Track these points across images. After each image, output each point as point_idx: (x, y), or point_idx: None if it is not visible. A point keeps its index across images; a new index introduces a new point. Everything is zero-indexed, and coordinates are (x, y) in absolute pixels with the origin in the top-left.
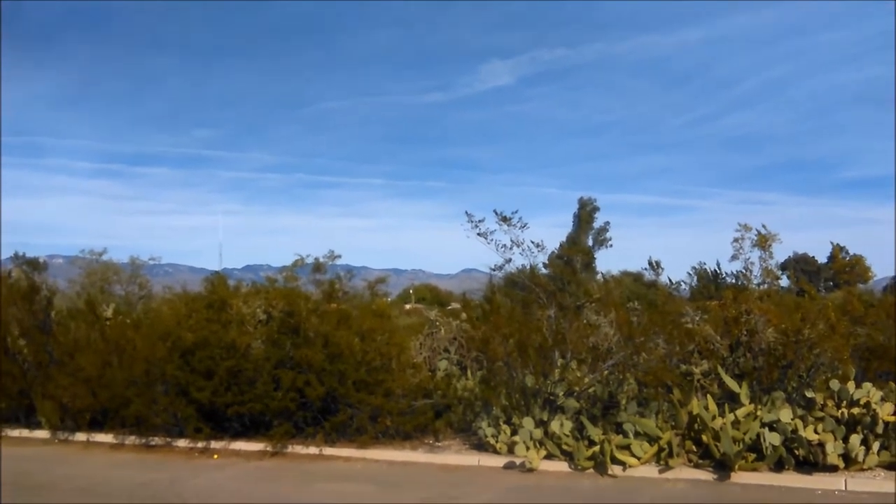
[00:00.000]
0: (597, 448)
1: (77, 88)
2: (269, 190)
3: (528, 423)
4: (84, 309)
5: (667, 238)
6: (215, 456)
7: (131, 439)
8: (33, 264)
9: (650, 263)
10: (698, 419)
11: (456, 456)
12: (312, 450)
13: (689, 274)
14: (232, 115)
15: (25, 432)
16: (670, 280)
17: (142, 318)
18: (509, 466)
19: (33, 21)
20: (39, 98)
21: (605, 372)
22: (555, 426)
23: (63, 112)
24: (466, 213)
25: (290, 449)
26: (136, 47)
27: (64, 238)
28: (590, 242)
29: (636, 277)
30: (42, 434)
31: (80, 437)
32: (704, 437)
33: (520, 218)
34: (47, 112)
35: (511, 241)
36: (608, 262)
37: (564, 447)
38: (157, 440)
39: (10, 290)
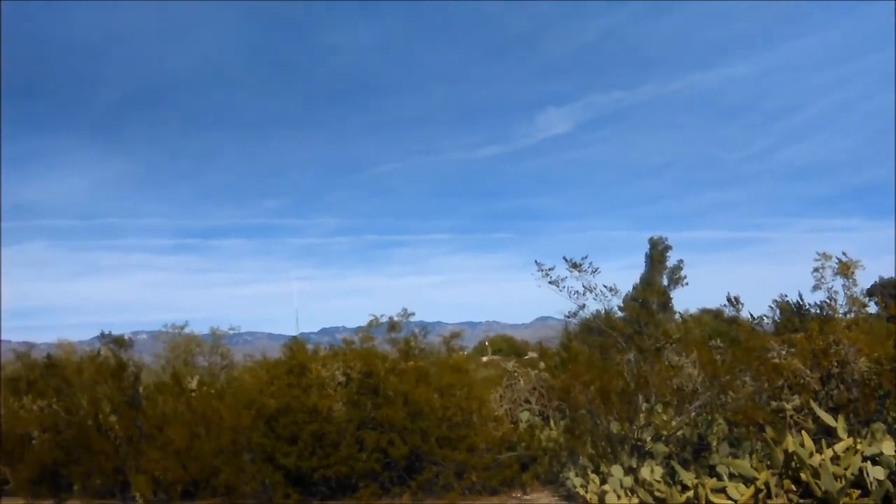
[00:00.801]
0: (690, 493)
1: (144, 169)
2: (340, 253)
3: (616, 470)
4: (170, 382)
5: (742, 272)
6: None
7: None
8: (119, 342)
9: (729, 299)
10: (795, 457)
11: None
12: None
13: (771, 307)
14: (293, 183)
15: None
16: (752, 315)
17: (225, 387)
18: None
19: (98, 109)
20: (109, 181)
21: (693, 414)
22: (645, 472)
23: (134, 193)
24: (536, 262)
25: None
26: (193, 125)
27: (146, 314)
28: (664, 282)
29: (716, 314)
30: None
31: None
32: (803, 476)
33: (590, 263)
34: (118, 194)
35: (583, 286)
36: (685, 300)
37: (657, 493)
38: None
39: (99, 368)
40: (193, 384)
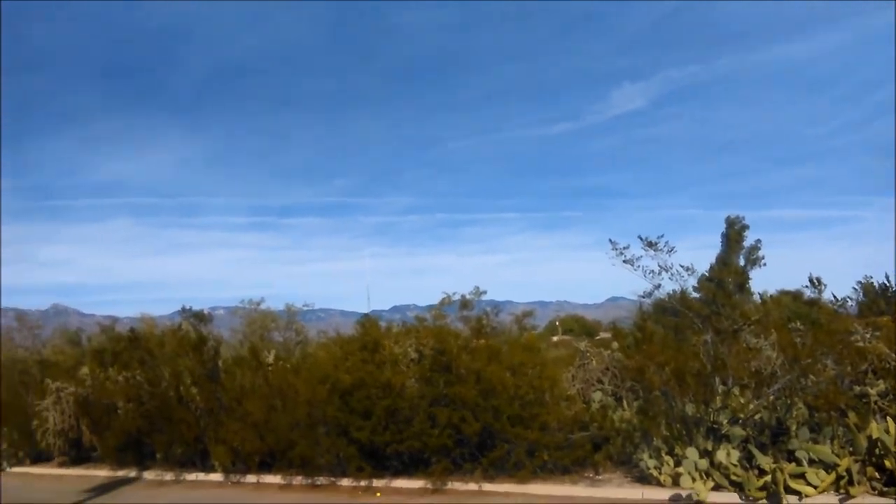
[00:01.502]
0: (768, 477)
1: (223, 148)
2: (411, 231)
3: (691, 453)
4: (248, 356)
5: (824, 252)
6: (378, 494)
7: (298, 479)
8: (200, 317)
9: (811, 280)
10: (879, 443)
11: (618, 489)
12: (472, 486)
13: (855, 289)
14: (366, 162)
15: (201, 475)
16: (835, 297)
17: (300, 362)
18: (675, 499)
19: (180, 90)
20: (190, 161)
21: (771, 397)
22: (721, 456)
23: (213, 172)
24: (610, 240)
25: (449, 485)
26: (270, 105)
27: (223, 291)
28: (741, 262)
29: (795, 296)
30: (216, 477)
31: (251, 478)
32: (888, 463)
33: (666, 242)
34: (198, 173)
35: (659, 266)
36: (762, 281)
37: (733, 477)
38: (322, 480)
39: (180, 342)
40: (270, 358)
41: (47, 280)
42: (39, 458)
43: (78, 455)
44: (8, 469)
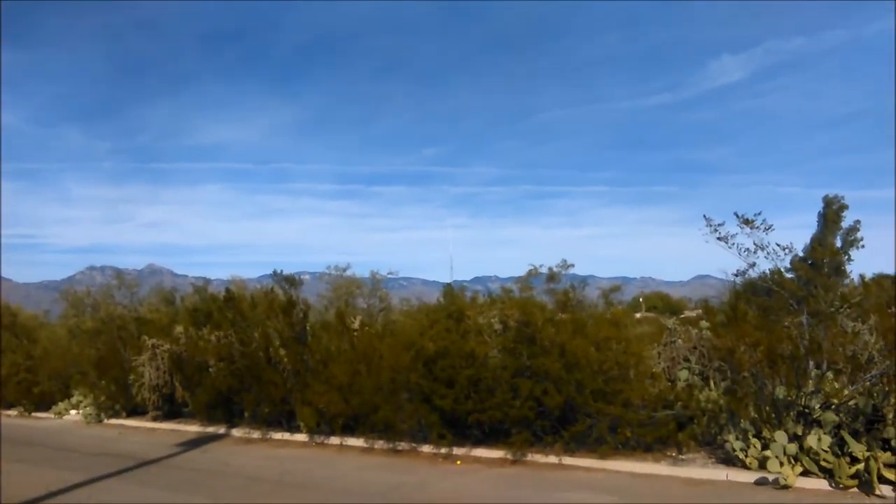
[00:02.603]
0: (861, 465)
1: (316, 116)
2: (495, 203)
3: (780, 436)
4: (335, 321)
5: None
6: (458, 462)
7: (380, 444)
8: (290, 281)
9: None
10: None
11: (701, 470)
12: (552, 459)
13: None
14: (457, 132)
15: (287, 435)
16: None
17: (385, 329)
18: (761, 483)
19: (277, 58)
20: (282, 128)
21: (867, 383)
22: (811, 441)
23: (304, 139)
24: (704, 216)
25: (529, 457)
26: (365, 73)
27: (310, 256)
28: (838, 244)
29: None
30: (301, 437)
31: (335, 440)
32: None
33: (763, 220)
34: (290, 140)
35: (754, 244)
36: (861, 264)
37: (823, 464)
38: (403, 445)
39: (271, 304)
40: (356, 324)
41: (144, 240)
42: (134, 411)
43: (170, 410)
44: (105, 420)
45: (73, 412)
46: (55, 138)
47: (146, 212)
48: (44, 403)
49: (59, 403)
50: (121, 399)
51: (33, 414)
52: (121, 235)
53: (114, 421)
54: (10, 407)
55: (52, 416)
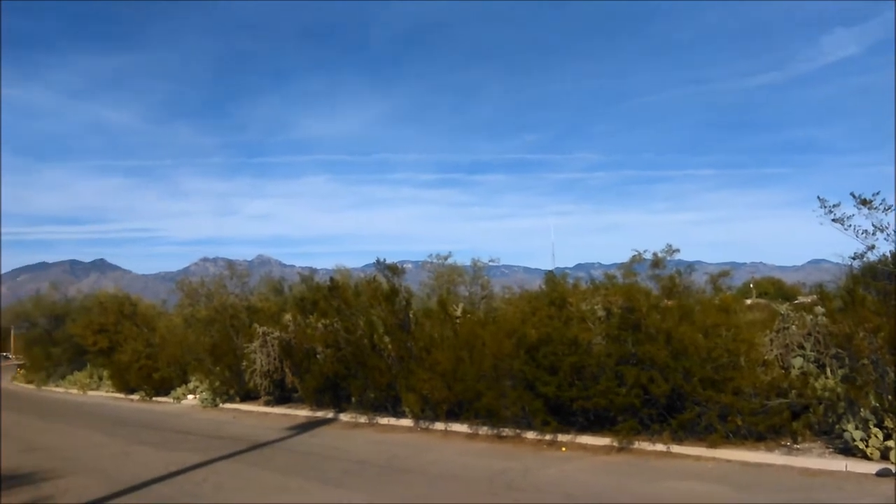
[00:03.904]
0: None
1: (413, 106)
2: (597, 188)
3: None
4: (437, 309)
5: None
6: (563, 449)
7: (484, 430)
8: (393, 269)
9: None
10: None
11: (818, 460)
12: (659, 447)
13: None
14: (555, 117)
15: (392, 420)
16: None
17: (487, 316)
18: (883, 474)
19: (373, 50)
20: (382, 119)
21: None
22: None
23: (403, 129)
24: (819, 198)
25: (635, 445)
26: (461, 60)
27: (412, 245)
28: None
29: None
30: (406, 422)
31: (439, 426)
32: None
33: (883, 200)
34: (390, 130)
35: (873, 225)
36: None
37: None
38: (507, 431)
39: (374, 292)
40: (458, 311)
41: (253, 232)
42: (247, 396)
43: (281, 395)
44: (221, 405)
45: (189, 397)
46: (167, 135)
47: (253, 204)
48: (163, 388)
49: (177, 388)
50: (234, 384)
51: (154, 398)
52: (230, 227)
53: (228, 405)
54: (132, 392)
55: (171, 400)
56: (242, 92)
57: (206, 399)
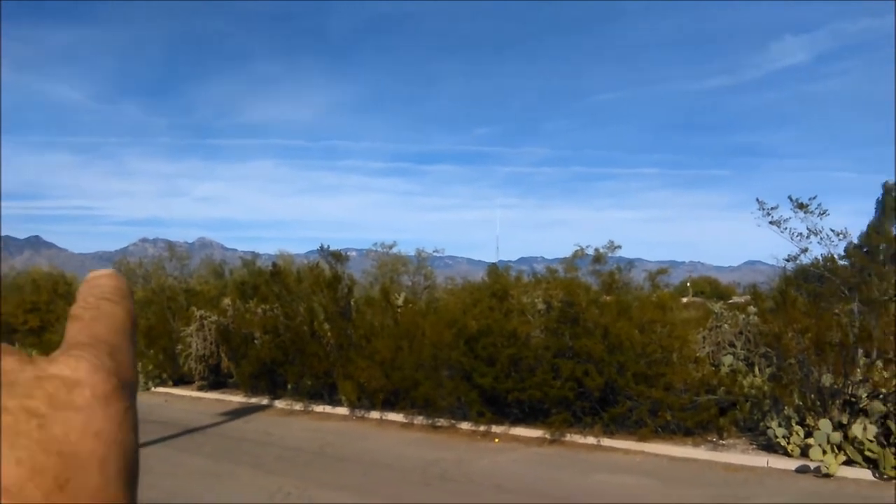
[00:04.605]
0: None
1: (369, 94)
2: (544, 183)
3: (824, 425)
4: (379, 297)
5: None
6: (496, 440)
7: (419, 419)
8: (336, 256)
9: None
10: None
11: (742, 455)
12: (590, 440)
13: None
14: (509, 112)
15: (328, 408)
16: None
17: (429, 306)
18: (802, 470)
19: (333, 37)
20: (336, 106)
21: None
22: (856, 430)
23: (356, 117)
24: (757, 200)
25: (567, 437)
26: (420, 52)
27: (358, 232)
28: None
29: None
30: (342, 410)
31: (375, 415)
32: None
33: (818, 204)
34: (343, 117)
35: (808, 229)
36: None
37: (867, 453)
38: (442, 421)
39: (316, 279)
40: (400, 300)
41: (198, 214)
42: (181, 380)
43: (216, 380)
44: (153, 388)
45: None
46: (116, 113)
47: (200, 186)
48: None
49: None
50: (168, 368)
51: None
52: (175, 209)
53: (160, 389)
54: None
55: None
56: (194, 72)
57: None
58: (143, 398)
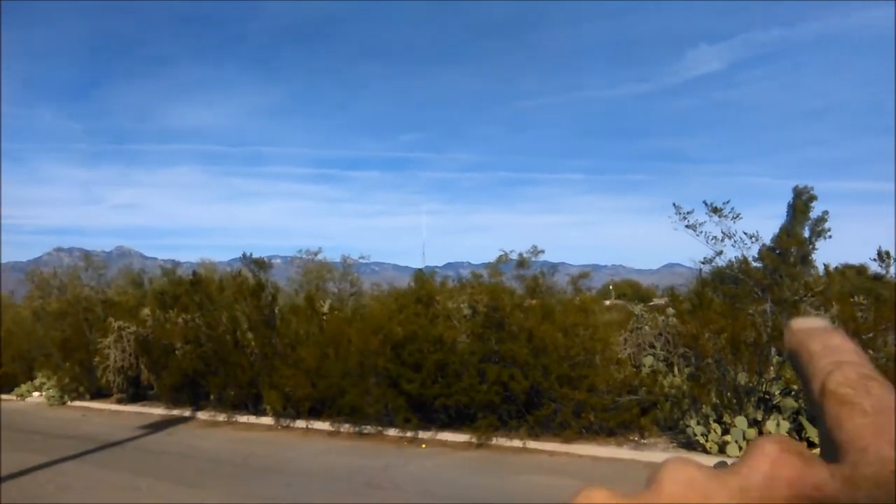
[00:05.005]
0: (818, 450)
1: (293, 99)
2: (470, 189)
3: (740, 422)
4: (304, 305)
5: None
6: (423, 445)
7: (346, 427)
8: (259, 264)
9: (879, 254)
10: None
11: (663, 454)
12: (516, 443)
13: None
14: (435, 118)
15: (252, 418)
16: None
17: (355, 313)
18: (719, 467)
19: (256, 40)
20: (259, 111)
21: None
22: (770, 426)
23: (281, 122)
24: (674, 204)
25: (494, 441)
26: (346, 57)
27: (282, 240)
28: (806, 234)
29: (860, 270)
30: (267, 420)
31: (301, 423)
32: None
33: (732, 208)
34: (267, 123)
35: (722, 232)
36: (827, 254)
37: None
38: (369, 428)
39: (239, 287)
40: (325, 308)
41: (115, 222)
42: (99, 394)
43: (136, 393)
44: (69, 403)
45: (35, 394)
46: (29, 118)
47: (118, 193)
48: (6, 385)
49: (22, 385)
50: (85, 381)
51: None
52: (91, 217)
53: (77, 403)
54: None
55: (15, 397)
56: (112, 76)
57: (53, 397)
58: (59, 413)
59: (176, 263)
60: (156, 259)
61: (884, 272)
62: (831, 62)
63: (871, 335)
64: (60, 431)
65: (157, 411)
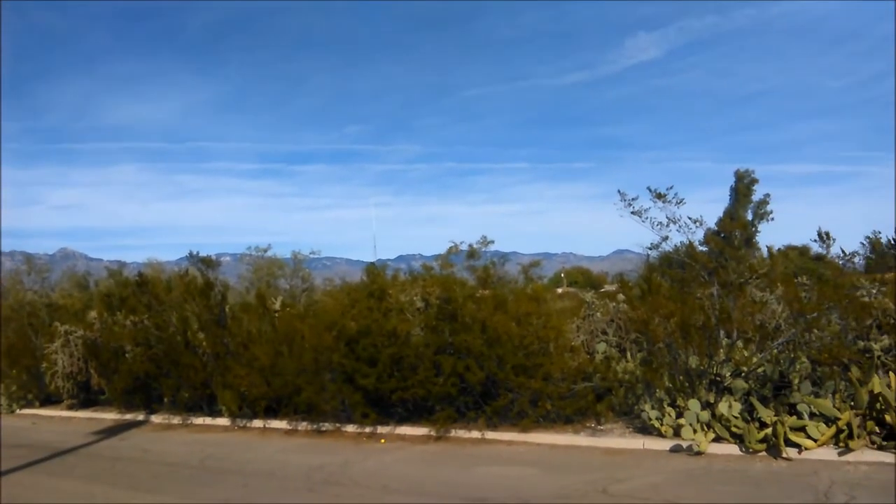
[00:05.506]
0: (769, 430)
1: (235, 93)
2: (418, 180)
3: (693, 405)
4: (255, 303)
5: (834, 207)
6: (382, 440)
7: (303, 425)
8: (207, 262)
9: (819, 235)
10: (881, 398)
11: (619, 439)
12: (475, 434)
13: (863, 245)
14: (380, 110)
15: (208, 420)
16: (843, 252)
17: (307, 309)
18: (675, 450)
19: (193, 34)
20: (200, 105)
21: (775, 351)
22: (723, 408)
23: (223, 117)
24: (619, 191)
25: (452, 433)
26: (286, 49)
27: (231, 237)
28: (749, 216)
29: (802, 251)
30: (223, 421)
31: (257, 423)
32: (888, 418)
33: (675, 194)
34: (208, 118)
35: (667, 218)
36: (770, 236)
37: (734, 429)
38: (327, 425)
39: (187, 287)
40: (277, 305)
41: (56, 224)
42: (48, 400)
43: (86, 398)
44: (18, 411)
45: None
46: None
47: (57, 194)
48: None
49: None
50: (33, 388)
51: None
52: (31, 219)
53: (27, 411)
54: None
55: None
56: (46, 72)
57: (0, 405)
58: (8, 422)
59: (122, 264)
60: (101, 260)
61: (825, 252)
62: (763, 48)
63: (815, 315)
64: (10, 441)
65: (110, 416)
